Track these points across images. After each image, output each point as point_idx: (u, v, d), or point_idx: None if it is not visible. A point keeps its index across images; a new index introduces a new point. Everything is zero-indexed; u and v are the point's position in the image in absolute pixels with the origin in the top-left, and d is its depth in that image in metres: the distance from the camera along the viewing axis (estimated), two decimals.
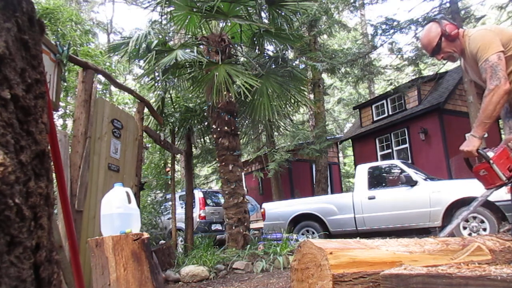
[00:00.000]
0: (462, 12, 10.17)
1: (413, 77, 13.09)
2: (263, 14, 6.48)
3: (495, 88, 1.97)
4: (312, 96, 11.79)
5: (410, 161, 11.39)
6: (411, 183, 6.14)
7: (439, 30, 2.20)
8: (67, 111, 8.92)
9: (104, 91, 12.03)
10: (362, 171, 6.95)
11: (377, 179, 6.97)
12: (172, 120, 6.89)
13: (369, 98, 18.81)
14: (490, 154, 2.13)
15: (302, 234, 6.98)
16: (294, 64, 9.07)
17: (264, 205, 7.91)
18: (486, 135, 2.18)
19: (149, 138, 5.90)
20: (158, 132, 5.87)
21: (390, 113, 13.48)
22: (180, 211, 7.88)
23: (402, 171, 6.58)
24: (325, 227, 6.84)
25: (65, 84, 4.04)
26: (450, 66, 13.88)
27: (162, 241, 6.55)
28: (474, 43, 2.09)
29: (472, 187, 4.99)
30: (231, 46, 6.26)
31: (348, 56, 10.74)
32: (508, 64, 2.07)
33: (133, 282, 2.09)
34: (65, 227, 1.52)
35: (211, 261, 4.71)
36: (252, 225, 8.21)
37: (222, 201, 6.71)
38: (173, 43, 8.34)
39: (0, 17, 0.55)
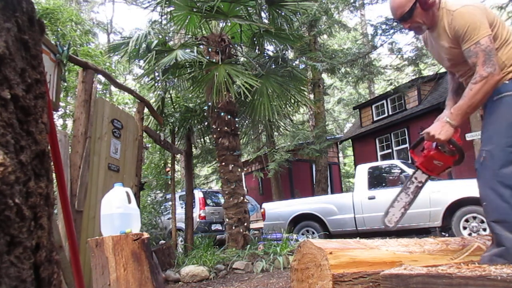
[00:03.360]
0: None
1: (413, 77, 13.09)
2: (263, 14, 6.48)
3: (489, 76, 1.74)
4: (312, 96, 11.79)
5: (410, 161, 11.38)
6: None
7: None
8: (67, 111, 8.92)
9: (104, 91, 12.03)
10: (362, 171, 6.95)
11: (377, 179, 6.96)
12: (172, 120, 6.89)
13: (369, 98, 18.81)
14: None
15: (302, 234, 6.98)
16: (294, 64, 9.07)
17: (264, 205, 7.91)
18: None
19: (149, 138, 5.90)
20: (158, 132, 5.87)
21: (390, 113, 13.47)
22: (180, 211, 7.88)
23: (402, 171, 6.58)
24: (325, 227, 6.84)
25: (65, 84, 4.04)
26: None
27: (162, 241, 6.55)
28: (461, 21, 1.81)
29: (472, 187, 4.99)
30: (231, 46, 6.26)
31: (348, 56, 10.73)
32: None
33: (133, 282, 2.09)
34: (65, 227, 1.52)
35: (211, 261, 4.71)
36: (252, 225, 8.21)
37: (222, 201, 6.71)
38: (173, 43, 8.34)
39: (0, 17, 0.55)
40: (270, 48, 8.89)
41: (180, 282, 4.40)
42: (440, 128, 1.93)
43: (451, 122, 1.90)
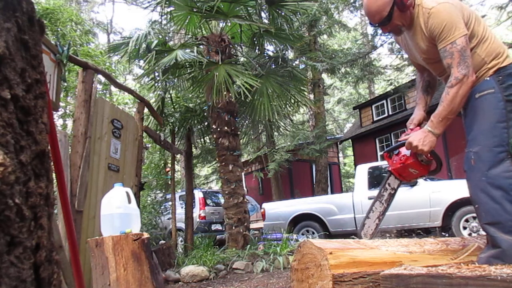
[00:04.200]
0: None
1: (413, 77, 13.08)
2: (263, 14, 6.48)
3: (464, 79, 1.70)
4: (312, 96, 11.79)
5: None
6: (411, 183, 6.14)
7: None
8: (67, 111, 8.91)
9: (104, 91, 12.02)
10: (362, 171, 6.95)
11: (377, 179, 6.96)
12: (172, 120, 6.89)
13: (369, 98, 18.82)
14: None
15: (302, 234, 6.98)
16: (294, 64, 9.08)
17: (264, 205, 7.91)
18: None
19: (149, 138, 5.90)
20: (158, 132, 5.86)
21: (390, 113, 13.48)
22: (180, 211, 7.88)
23: None
24: (325, 227, 6.84)
25: (65, 84, 4.03)
26: None
27: (162, 241, 6.55)
28: (437, 19, 1.75)
29: None
30: (231, 46, 6.26)
31: (348, 56, 10.73)
32: None
33: (133, 282, 2.09)
34: (65, 227, 1.52)
35: (211, 261, 4.71)
36: (252, 225, 8.21)
37: (222, 201, 6.71)
38: (173, 43, 8.34)
39: (0, 17, 0.55)
40: (270, 48, 8.90)
41: (180, 282, 4.40)
42: (423, 138, 1.84)
43: (433, 131, 1.82)
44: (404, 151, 2.02)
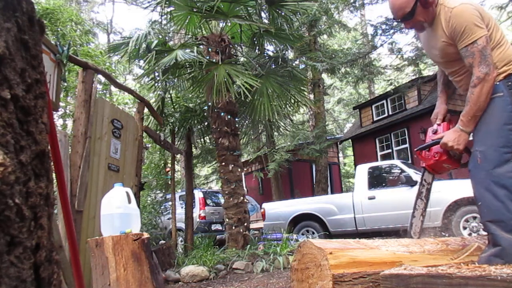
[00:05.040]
0: None
1: (413, 77, 13.10)
2: (263, 14, 6.48)
3: (485, 77, 1.77)
4: (312, 96, 11.79)
5: (410, 161, 11.39)
6: (411, 183, 6.13)
7: None
8: (67, 111, 8.91)
9: (104, 91, 12.01)
10: (362, 171, 6.95)
11: (377, 179, 6.97)
12: (172, 120, 6.89)
13: (369, 98, 18.81)
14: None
15: (302, 234, 6.98)
16: (294, 64, 9.07)
17: (264, 205, 7.91)
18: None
19: (149, 138, 5.90)
20: (158, 132, 5.86)
21: (390, 113, 13.47)
22: (180, 211, 7.87)
23: (402, 171, 6.58)
24: (325, 227, 6.84)
25: (65, 84, 4.03)
26: None
27: (162, 241, 6.55)
28: (459, 19, 1.81)
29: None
30: (231, 46, 6.26)
31: (348, 56, 10.73)
32: None
33: (133, 282, 2.09)
34: (65, 227, 1.52)
35: (211, 261, 4.71)
36: (252, 225, 8.21)
37: (222, 201, 6.71)
38: (173, 43, 8.34)
39: (0, 17, 0.55)
40: (270, 48, 8.88)
41: (180, 282, 4.40)
42: (457, 138, 1.94)
43: (465, 130, 1.91)
44: (435, 148, 2.14)
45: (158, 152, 9.17)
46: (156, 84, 6.67)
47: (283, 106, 6.66)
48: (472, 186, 1.83)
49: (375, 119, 14.04)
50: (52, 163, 0.73)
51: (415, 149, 2.32)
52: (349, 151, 23.40)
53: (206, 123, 7.24)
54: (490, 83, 1.79)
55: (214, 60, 5.75)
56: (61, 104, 7.82)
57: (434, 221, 5.88)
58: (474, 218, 5.48)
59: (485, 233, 1.83)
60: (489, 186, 1.73)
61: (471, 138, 1.96)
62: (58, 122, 9.62)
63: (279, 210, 7.53)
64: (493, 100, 1.83)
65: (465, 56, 1.83)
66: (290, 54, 9.54)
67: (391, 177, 6.98)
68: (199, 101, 7.19)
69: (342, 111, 26.21)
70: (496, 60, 1.85)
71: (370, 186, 6.75)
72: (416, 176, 6.34)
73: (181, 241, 7.40)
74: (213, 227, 8.96)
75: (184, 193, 7.52)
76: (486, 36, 1.79)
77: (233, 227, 5.73)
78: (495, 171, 1.73)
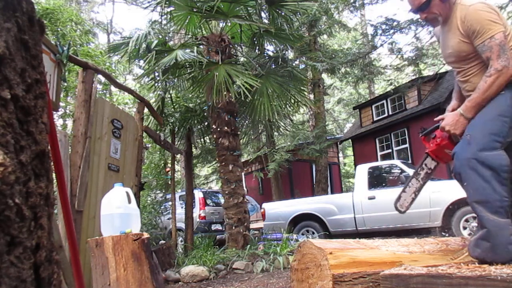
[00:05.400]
0: None
1: (413, 77, 13.08)
2: (263, 14, 6.48)
3: (503, 69, 1.77)
4: (312, 96, 11.78)
5: (410, 161, 11.38)
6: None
7: None
8: (67, 111, 8.91)
9: (104, 91, 12.01)
10: (362, 171, 6.95)
11: (377, 179, 6.96)
12: (172, 120, 6.89)
13: (369, 98, 18.80)
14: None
15: (302, 234, 6.97)
16: (294, 64, 9.07)
17: (264, 205, 7.91)
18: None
19: (149, 138, 5.90)
20: (158, 132, 5.86)
21: (390, 113, 13.47)
22: (180, 211, 7.87)
23: (402, 171, 6.58)
24: (325, 227, 6.84)
25: (65, 84, 4.03)
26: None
27: (162, 241, 6.55)
28: (476, 16, 1.84)
29: None
30: (231, 46, 6.26)
31: (348, 56, 10.72)
32: None
33: (133, 282, 2.09)
34: (65, 227, 1.52)
35: (211, 261, 4.71)
36: (252, 225, 8.21)
37: (222, 201, 6.71)
38: (173, 43, 8.34)
39: (0, 17, 0.55)
40: (270, 48, 8.88)
41: (180, 282, 4.40)
42: (455, 122, 1.94)
43: (465, 114, 1.91)
44: (437, 133, 2.18)
45: (158, 152, 9.17)
46: (156, 84, 6.67)
47: (283, 106, 6.66)
48: (456, 167, 1.82)
49: (375, 119, 14.04)
50: (52, 163, 0.73)
51: (419, 134, 2.35)
52: (349, 151, 23.40)
53: (206, 123, 7.24)
54: (506, 77, 1.79)
55: (214, 60, 5.76)
56: (61, 104, 7.82)
57: (434, 221, 5.88)
58: (474, 218, 5.47)
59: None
60: (475, 166, 1.72)
61: None
62: (58, 122, 9.62)
63: (279, 210, 7.53)
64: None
65: (482, 51, 1.84)
66: (290, 54, 9.54)
67: (391, 177, 6.98)
68: (199, 101, 7.19)
69: (342, 111, 26.20)
70: None
71: (370, 186, 6.75)
72: None
73: (181, 241, 7.40)
74: (213, 227, 8.96)
75: (184, 193, 7.52)
76: (504, 32, 1.80)
77: (233, 227, 5.73)
78: (482, 153, 1.72)
